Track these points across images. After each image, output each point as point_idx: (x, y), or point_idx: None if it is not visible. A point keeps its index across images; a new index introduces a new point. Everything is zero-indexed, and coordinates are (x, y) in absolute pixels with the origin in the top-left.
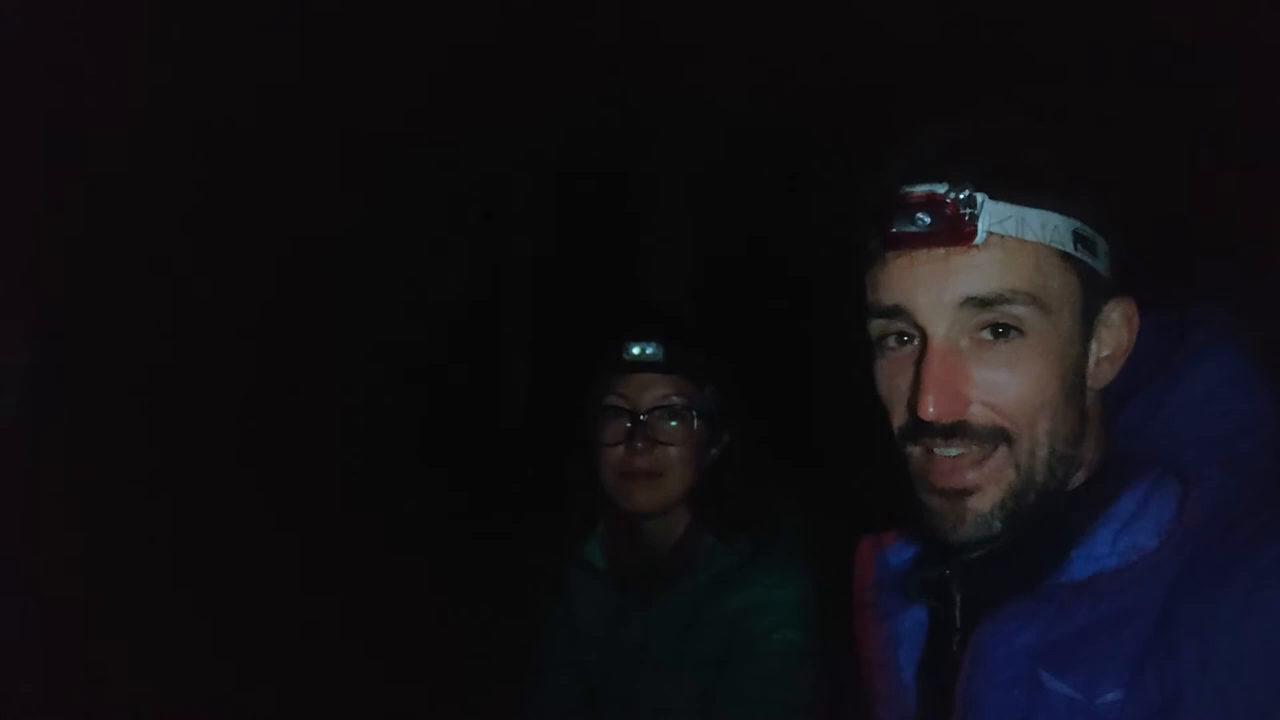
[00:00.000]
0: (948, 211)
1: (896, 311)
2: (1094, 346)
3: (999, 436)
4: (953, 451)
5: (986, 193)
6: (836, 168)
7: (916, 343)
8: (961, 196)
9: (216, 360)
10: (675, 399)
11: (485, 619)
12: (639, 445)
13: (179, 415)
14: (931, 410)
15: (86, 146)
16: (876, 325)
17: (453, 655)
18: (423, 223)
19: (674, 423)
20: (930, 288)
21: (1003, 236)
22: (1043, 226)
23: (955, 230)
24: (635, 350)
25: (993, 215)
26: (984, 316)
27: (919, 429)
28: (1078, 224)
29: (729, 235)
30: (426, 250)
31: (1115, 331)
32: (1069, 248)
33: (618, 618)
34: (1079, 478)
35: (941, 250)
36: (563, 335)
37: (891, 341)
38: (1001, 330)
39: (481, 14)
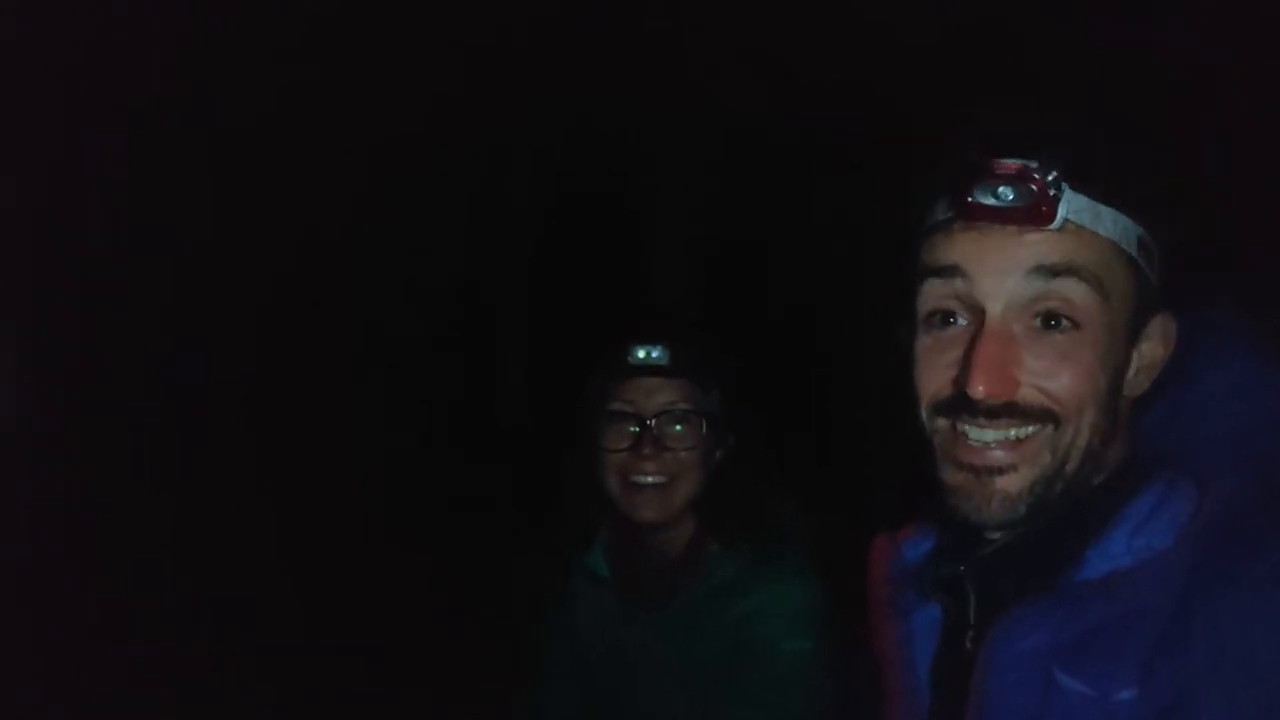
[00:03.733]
0: (1035, 188)
1: (955, 273)
2: (1135, 356)
3: (1047, 417)
4: (989, 436)
5: (1069, 181)
6: (843, 164)
7: (966, 324)
8: (1050, 177)
9: (216, 360)
10: (681, 404)
11: (488, 627)
12: (646, 451)
13: (177, 417)
14: (981, 390)
15: (89, 147)
16: (928, 291)
17: (455, 664)
18: (422, 223)
19: (680, 427)
20: (997, 257)
21: (1079, 227)
22: (1114, 224)
23: (1036, 209)
24: (641, 354)
25: (1072, 204)
26: (1044, 301)
27: (958, 404)
28: (1142, 231)
29: (730, 236)
30: (426, 251)
31: (1154, 345)
32: (1133, 251)
33: (622, 626)
34: (1099, 478)
35: (1015, 228)
36: (563, 338)
37: (937, 320)
38: (1055, 322)
39: (484, 14)
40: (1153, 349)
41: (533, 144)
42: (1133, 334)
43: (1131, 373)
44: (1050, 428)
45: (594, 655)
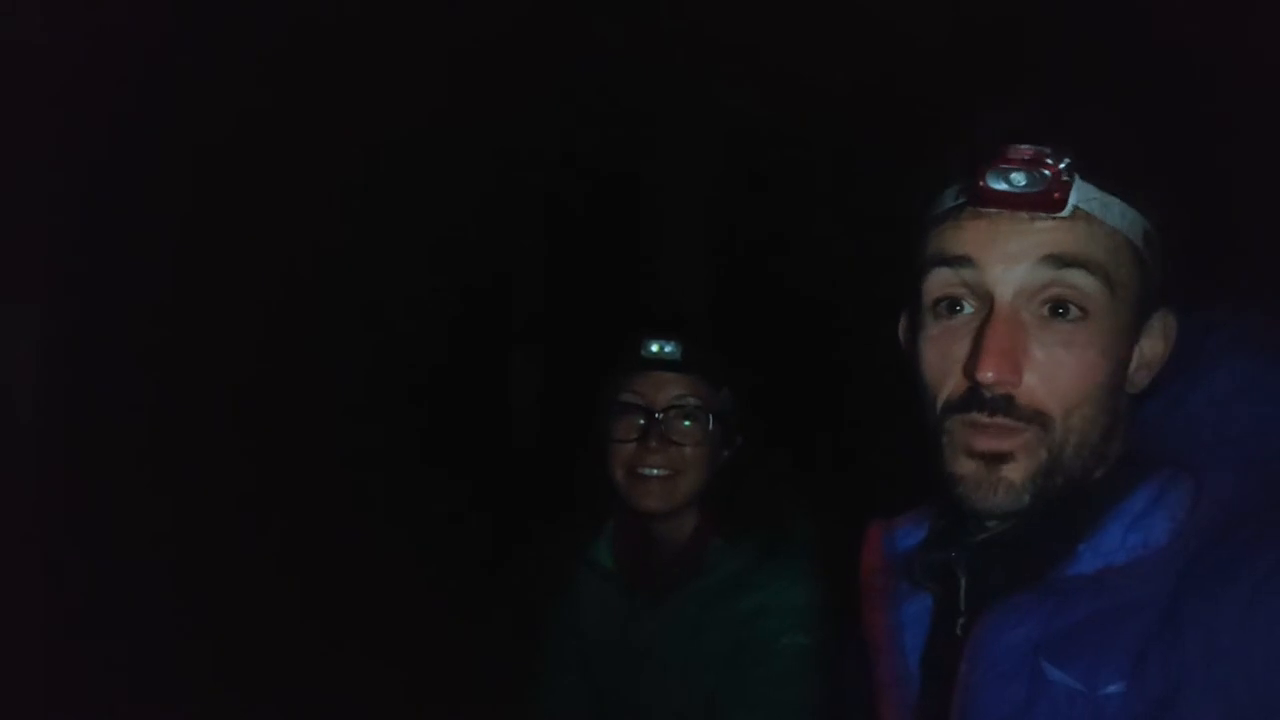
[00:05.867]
0: (1048, 173)
1: (964, 261)
2: (1137, 352)
3: (1036, 419)
4: (995, 422)
5: (1079, 170)
6: (845, 163)
7: (974, 311)
8: (1063, 164)
9: (220, 365)
10: (690, 399)
11: (493, 619)
12: (652, 444)
13: (181, 422)
14: (990, 375)
15: (91, 146)
16: (935, 280)
17: (460, 656)
18: (429, 223)
19: (688, 422)
20: (1007, 245)
21: (1088, 215)
22: (1122, 216)
23: (1048, 195)
24: (654, 348)
25: (1081, 192)
26: (1053, 289)
27: (969, 399)
28: (1148, 224)
29: (740, 236)
30: (433, 251)
31: (1155, 341)
32: (1139, 244)
33: (625, 618)
34: (1100, 473)
35: (1026, 214)
36: (575, 335)
37: (944, 309)
38: (1062, 310)
39: (488, 14)
40: (1153, 345)
41: (542, 143)
42: (1136, 329)
43: (1132, 368)
44: (1039, 429)
45: (598, 649)
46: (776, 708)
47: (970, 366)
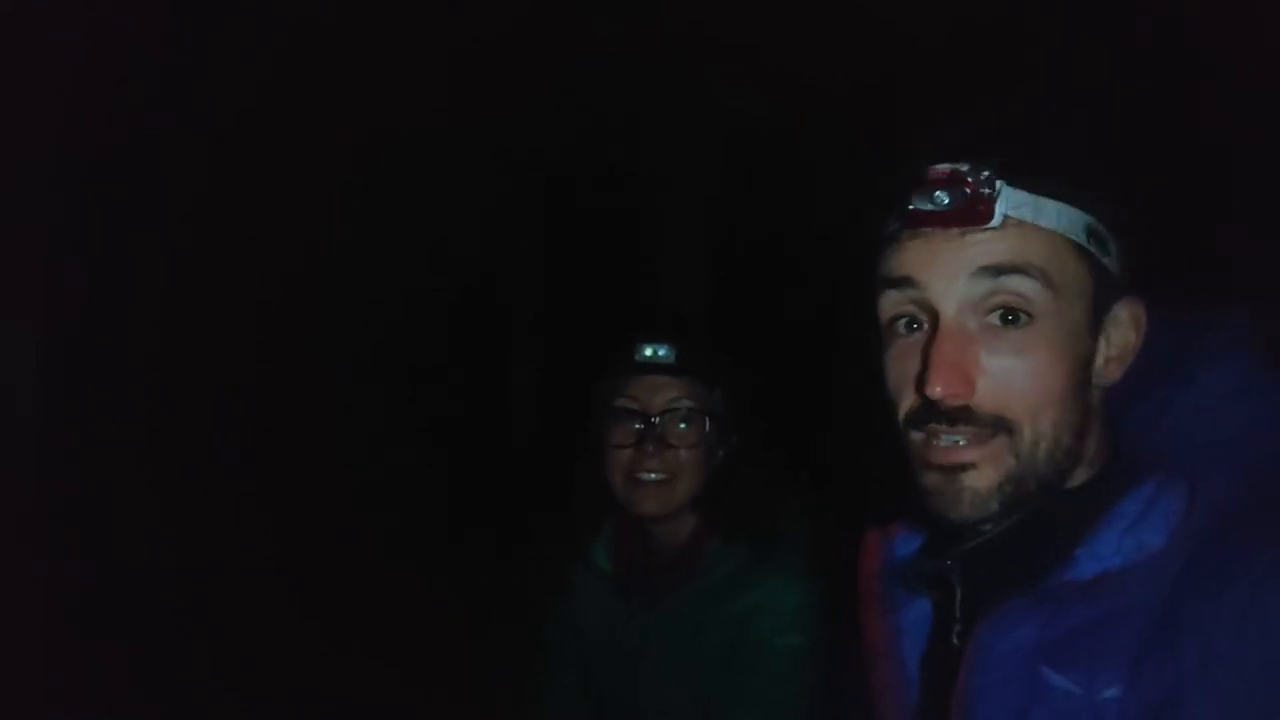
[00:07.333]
0: (968, 190)
1: (906, 283)
2: (1102, 344)
3: (1000, 425)
4: (957, 439)
5: (1005, 179)
6: (843, 165)
7: (926, 328)
8: (982, 177)
9: (219, 365)
10: (685, 401)
11: (491, 621)
12: (649, 448)
13: (181, 422)
14: (939, 390)
15: (91, 146)
16: (886, 302)
17: (459, 658)
18: (429, 222)
19: (684, 425)
20: (943, 262)
21: (1020, 222)
22: (1058, 216)
23: (972, 210)
24: (647, 352)
25: (1010, 200)
26: (996, 297)
27: (925, 413)
28: (1091, 219)
29: (736, 236)
30: (433, 250)
31: (1123, 331)
32: (1081, 240)
33: (623, 620)
34: (1082, 474)
35: (957, 230)
36: (572, 338)
37: (901, 327)
38: (1011, 317)
39: (491, 14)
40: (1122, 335)
41: (539, 143)
42: (1094, 324)
43: (1100, 362)
44: (1004, 434)
45: (596, 650)
46: (772, 707)
47: (921, 382)
